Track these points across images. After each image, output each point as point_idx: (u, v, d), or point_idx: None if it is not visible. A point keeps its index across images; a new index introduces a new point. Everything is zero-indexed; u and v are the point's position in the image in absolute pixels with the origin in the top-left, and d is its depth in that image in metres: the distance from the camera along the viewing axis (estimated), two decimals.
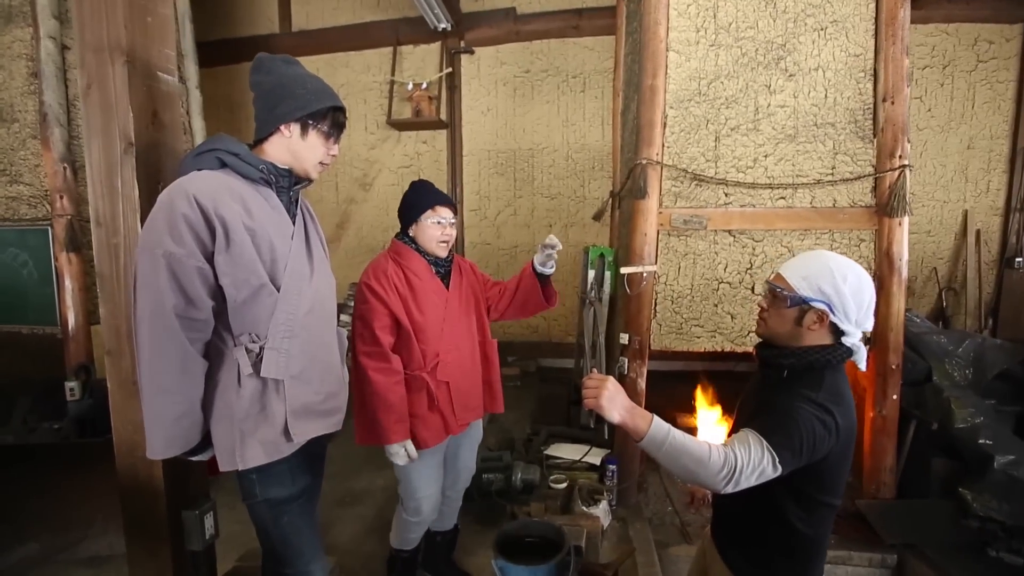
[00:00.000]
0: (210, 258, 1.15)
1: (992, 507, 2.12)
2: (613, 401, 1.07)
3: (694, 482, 1.06)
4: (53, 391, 3.22)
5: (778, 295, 1.16)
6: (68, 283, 3.23)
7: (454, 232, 1.81)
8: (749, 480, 1.02)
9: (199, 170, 1.19)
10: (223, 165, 1.22)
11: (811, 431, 1.04)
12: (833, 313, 1.10)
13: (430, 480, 1.83)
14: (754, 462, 1.02)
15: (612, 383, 1.09)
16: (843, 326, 1.11)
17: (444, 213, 1.76)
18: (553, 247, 1.75)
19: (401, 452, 1.68)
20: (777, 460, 1.02)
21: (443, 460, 1.90)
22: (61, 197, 3.19)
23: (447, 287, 1.83)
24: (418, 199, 1.77)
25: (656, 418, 1.06)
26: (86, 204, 3.31)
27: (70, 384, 3.17)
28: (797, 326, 1.14)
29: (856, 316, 1.11)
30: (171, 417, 1.17)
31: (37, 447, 2.76)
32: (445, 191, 1.95)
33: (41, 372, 3.40)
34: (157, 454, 1.20)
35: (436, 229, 1.75)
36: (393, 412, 1.65)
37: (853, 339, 1.12)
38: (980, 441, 2.27)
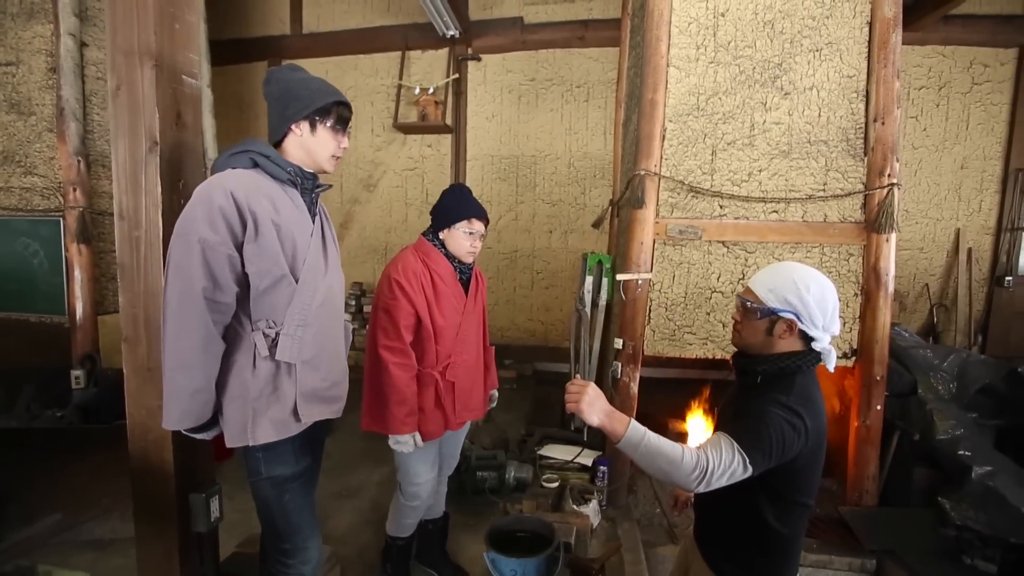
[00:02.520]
0: (239, 248, 1.26)
1: (969, 516, 2.19)
2: (592, 405, 1.14)
3: (668, 481, 1.12)
4: (58, 379, 3.28)
5: (748, 308, 1.22)
6: (77, 274, 3.31)
7: (481, 244, 1.88)
8: (720, 480, 1.08)
9: (234, 168, 1.30)
10: (255, 165, 1.33)
11: (780, 433, 1.10)
12: (801, 321, 1.17)
13: (428, 467, 1.91)
14: (724, 463, 1.08)
15: (592, 388, 1.16)
16: (812, 332, 1.17)
17: (478, 226, 1.82)
18: None
19: (409, 442, 1.77)
20: (748, 461, 1.08)
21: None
22: (74, 189, 3.27)
23: (466, 293, 1.91)
24: (457, 206, 1.82)
25: (633, 422, 1.13)
26: (98, 197, 3.42)
27: (76, 373, 3.24)
28: (768, 336, 1.20)
29: (822, 322, 1.18)
30: (189, 391, 1.26)
31: (43, 431, 2.82)
32: None
33: (47, 360, 3.46)
34: (172, 425, 1.29)
35: (468, 240, 1.81)
36: (407, 406, 1.74)
37: (822, 343, 1.19)
38: (959, 452, 2.34)
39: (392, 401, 1.73)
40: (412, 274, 1.77)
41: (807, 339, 1.19)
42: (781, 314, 1.17)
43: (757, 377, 1.22)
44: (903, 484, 2.58)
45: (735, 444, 1.09)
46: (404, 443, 1.77)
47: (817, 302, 1.16)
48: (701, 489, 1.08)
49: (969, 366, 2.73)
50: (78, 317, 3.32)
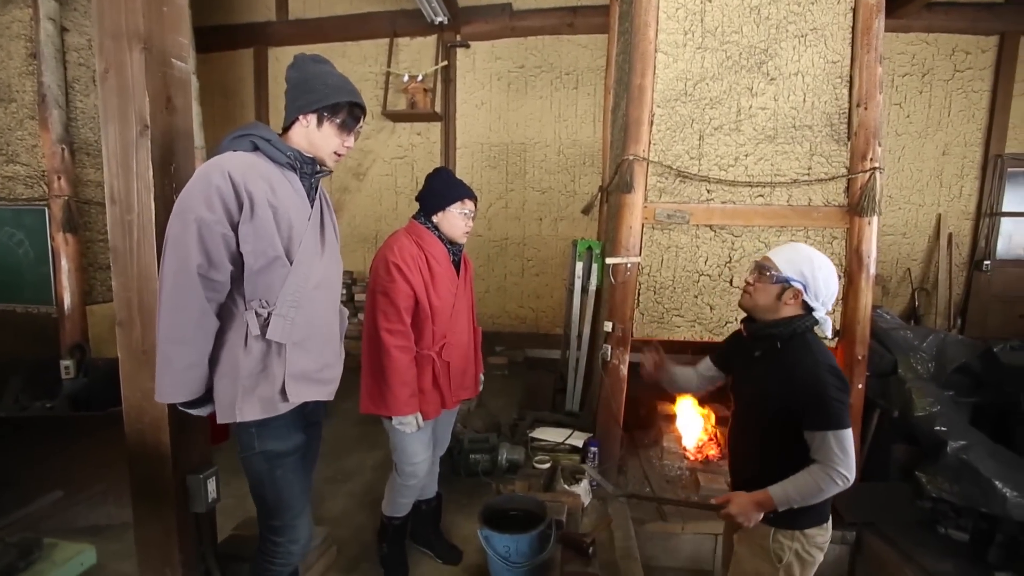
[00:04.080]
0: (235, 227, 1.28)
1: (944, 488, 2.28)
2: (748, 515, 1.37)
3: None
4: (46, 370, 3.26)
5: (765, 272, 1.42)
6: (64, 263, 3.28)
7: (473, 223, 1.93)
8: (852, 456, 1.29)
9: (235, 151, 1.32)
10: (255, 148, 1.34)
11: (839, 392, 1.32)
12: (806, 292, 1.38)
13: (424, 446, 1.95)
14: (844, 449, 1.29)
15: (734, 507, 1.39)
16: (812, 303, 1.40)
17: (471, 206, 1.88)
18: None
19: (412, 422, 1.80)
20: (844, 430, 1.29)
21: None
22: (59, 178, 3.23)
23: (458, 275, 1.95)
24: (448, 190, 1.86)
25: (770, 490, 1.34)
26: (84, 186, 3.38)
27: (65, 363, 3.22)
28: (777, 300, 1.41)
29: (823, 298, 1.40)
30: (182, 365, 1.29)
31: (36, 420, 2.81)
32: None
33: (34, 351, 3.43)
34: (165, 398, 1.33)
35: (462, 220, 1.86)
36: (409, 387, 1.78)
37: (819, 313, 1.41)
38: (936, 428, 2.43)
39: (395, 383, 1.75)
40: (409, 256, 1.79)
41: (807, 309, 1.41)
42: (793, 283, 1.38)
43: (776, 342, 1.42)
44: (883, 460, 2.67)
45: (829, 433, 1.30)
46: (407, 424, 1.80)
47: (825, 280, 1.39)
48: (852, 479, 1.30)
49: (947, 346, 2.82)
50: (66, 307, 3.30)
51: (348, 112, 1.39)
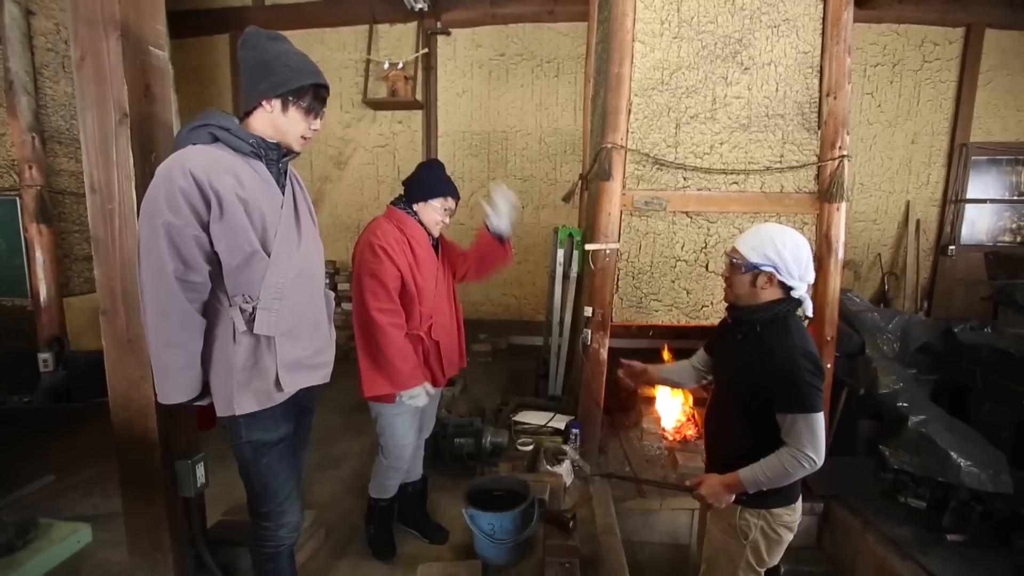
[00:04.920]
0: (206, 227, 1.24)
1: (905, 460, 2.41)
2: (717, 495, 1.44)
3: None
4: (22, 363, 3.21)
5: (734, 263, 1.45)
6: (39, 255, 3.22)
7: (449, 221, 2.00)
8: (822, 440, 1.33)
9: (194, 144, 1.27)
10: (215, 139, 1.29)
11: (812, 376, 1.35)
12: (779, 273, 1.39)
13: (411, 428, 2.00)
14: (813, 433, 1.32)
15: (705, 489, 1.46)
16: (789, 282, 1.39)
17: (451, 204, 1.96)
18: (498, 206, 1.93)
19: (421, 393, 1.85)
20: (814, 413, 1.33)
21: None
22: (30, 167, 3.16)
23: (438, 256, 2.01)
24: (436, 183, 1.93)
25: (739, 473, 1.40)
26: (56, 175, 3.32)
27: (43, 355, 3.18)
28: (752, 287, 1.42)
29: (798, 272, 1.39)
30: (178, 367, 1.29)
31: (17, 413, 2.78)
32: None
33: (10, 345, 3.38)
34: (169, 399, 1.32)
35: (441, 215, 1.94)
36: (410, 360, 1.83)
37: (800, 291, 1.41)
38: (898, 404, 2.55)
39: (396, 359, 1.79)
40: (393, 239, 1.84)
41: (786, 289, 1.42)
42: (762, 268, 1.39)
43: (756, 326, 1.45)
44: (850, 435, 2.80)
45: (799, 416, 1.33)
46: (417, 395, 1.85)
47: (792, 255, 1.38)
48: (820, 462, 1.34)
49: (911, 327, 2.96)
50: (42, 299, 3.25)
51: (313, 94, 1.34)
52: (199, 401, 1.38)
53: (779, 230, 1.42)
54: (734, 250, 1.47)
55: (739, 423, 1.49)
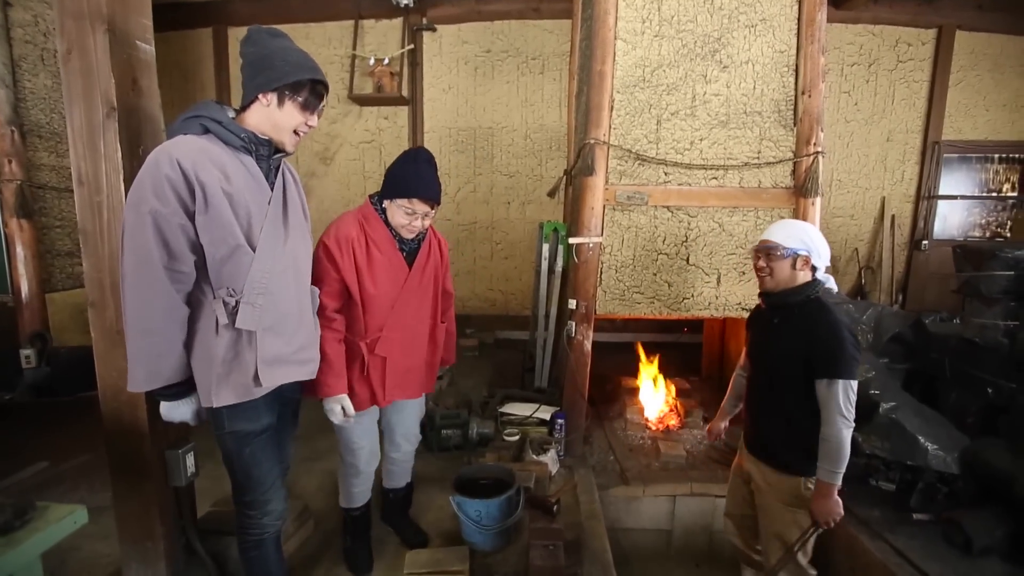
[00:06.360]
0: (192, 217, 1.25)
1: (876, 445, 2.51)
2: (831, 511, 1.57)
3: None
4: (5, 360, 3.18)
5: (774, 252, 1.67)
6: (20, 250, 3.19)
7: (427, 223, 1.75)
8: (853, 410, 1.54)
9: (184, 135, 1.28)
10: (206, 131, 1.30)
11: (854, 338, 1.57)
12: (812, 256, 1.65)
13: (363, 433, 1.89)
14: (849, 399, 1.53)
15: (821, 517, 1.60)
16: (817, 263, 1.67)
17: (419, 207, 1.68)
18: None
19: (337, 408, 1.70)
20: (852, 380, 1.53)
21: (378, 421, 1.99)
22: (10, 162, 3.13)
23: (410, 265, 1.80)
24: (405, 180, 1.68)
25: (819, 478, 1.59)
26: (37, 169, 3.29)
27: (25, 352, 3.15)
28: (793, 270, 1.66)
29: (824, 255, 1.67)
30: (153, 355, 1.29)
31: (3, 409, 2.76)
32: None
33: None
34: (139, 387, 1.31)
35: (405, 219, 1.70)
36: (330, 367, 1.65)
37: (822, 272, 1.69)
38: (871, 392, 2.64)
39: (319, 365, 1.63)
40: (344, 239, 1.68)
41: (813, 270, 1.67)
42: (800, 252, 1.64)
43: (794, 308, 1.67)
44: None
45: (840, 381, 1.53)
46: (331, 410, 1.71)
47: (820, 240, 1.67)
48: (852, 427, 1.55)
49: (884, 318, 3.06)
50: (24, 295, 3.22)
51: (310, 90, 1.35)
52: (177, 399, 1.38)
53: (801, 222, 1.72)
54: (767, 241, 1.69)
55: (788, 401, 1.68)
